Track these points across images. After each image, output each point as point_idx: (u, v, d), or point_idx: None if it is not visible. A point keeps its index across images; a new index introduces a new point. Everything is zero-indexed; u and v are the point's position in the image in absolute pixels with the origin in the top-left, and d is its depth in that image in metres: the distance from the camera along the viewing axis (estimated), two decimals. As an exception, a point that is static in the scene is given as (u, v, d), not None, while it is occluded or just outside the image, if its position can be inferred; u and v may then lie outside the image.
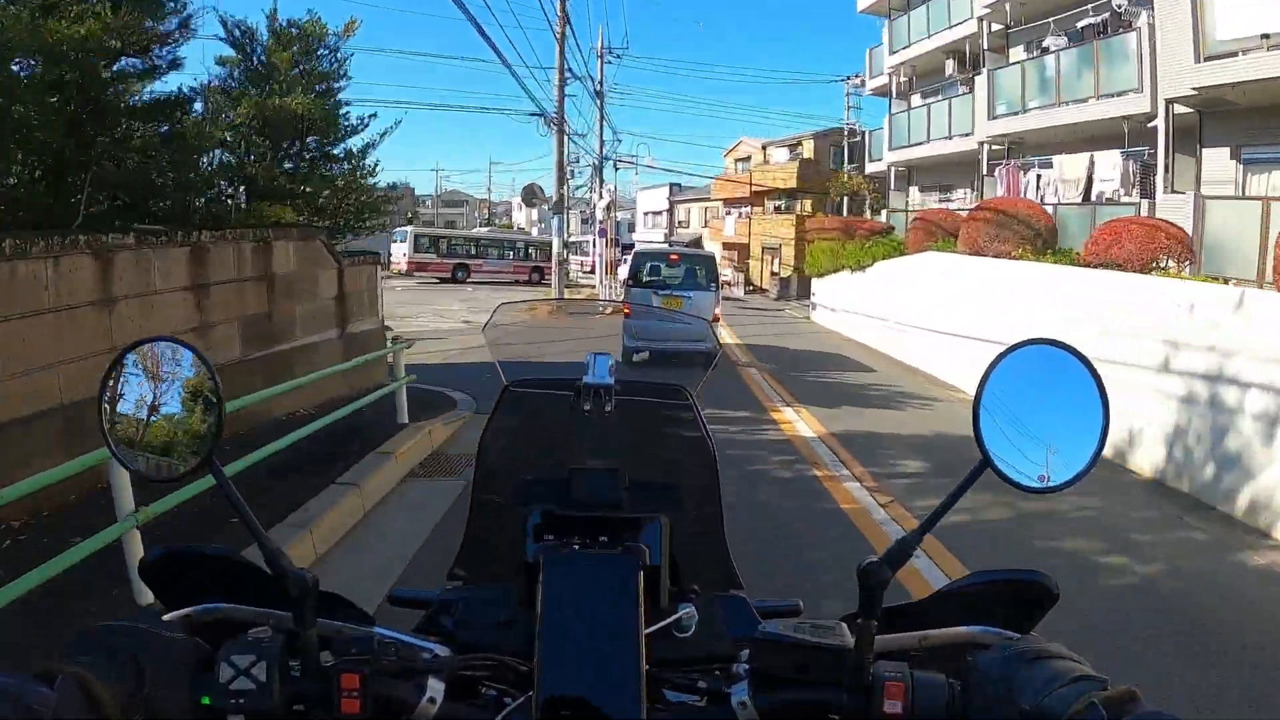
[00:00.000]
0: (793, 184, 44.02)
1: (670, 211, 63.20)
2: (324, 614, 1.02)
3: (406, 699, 0.99)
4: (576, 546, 1.13)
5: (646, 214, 66.93)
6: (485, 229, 50.02)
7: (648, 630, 1.01)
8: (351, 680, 0.95)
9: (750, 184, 48.62)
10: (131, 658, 0.90)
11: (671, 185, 62.45)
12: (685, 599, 1.18)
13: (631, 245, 39.82)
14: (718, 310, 15.22)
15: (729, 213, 52.21)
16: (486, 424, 1.59)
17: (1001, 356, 1.02)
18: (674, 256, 16.88)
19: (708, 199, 57.60)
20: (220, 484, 1.04)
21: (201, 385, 1.10)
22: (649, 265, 16.13)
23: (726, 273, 39.76)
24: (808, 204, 44.72)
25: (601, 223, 34.16)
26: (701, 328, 9.81)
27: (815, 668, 0.98)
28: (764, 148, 47.40)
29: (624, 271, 25.82)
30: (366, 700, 0.95)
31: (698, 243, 53.80)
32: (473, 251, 45.11)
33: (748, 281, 46.47)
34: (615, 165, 41.03)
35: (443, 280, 40.93)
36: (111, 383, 1.09)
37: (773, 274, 44.90)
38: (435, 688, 1.00)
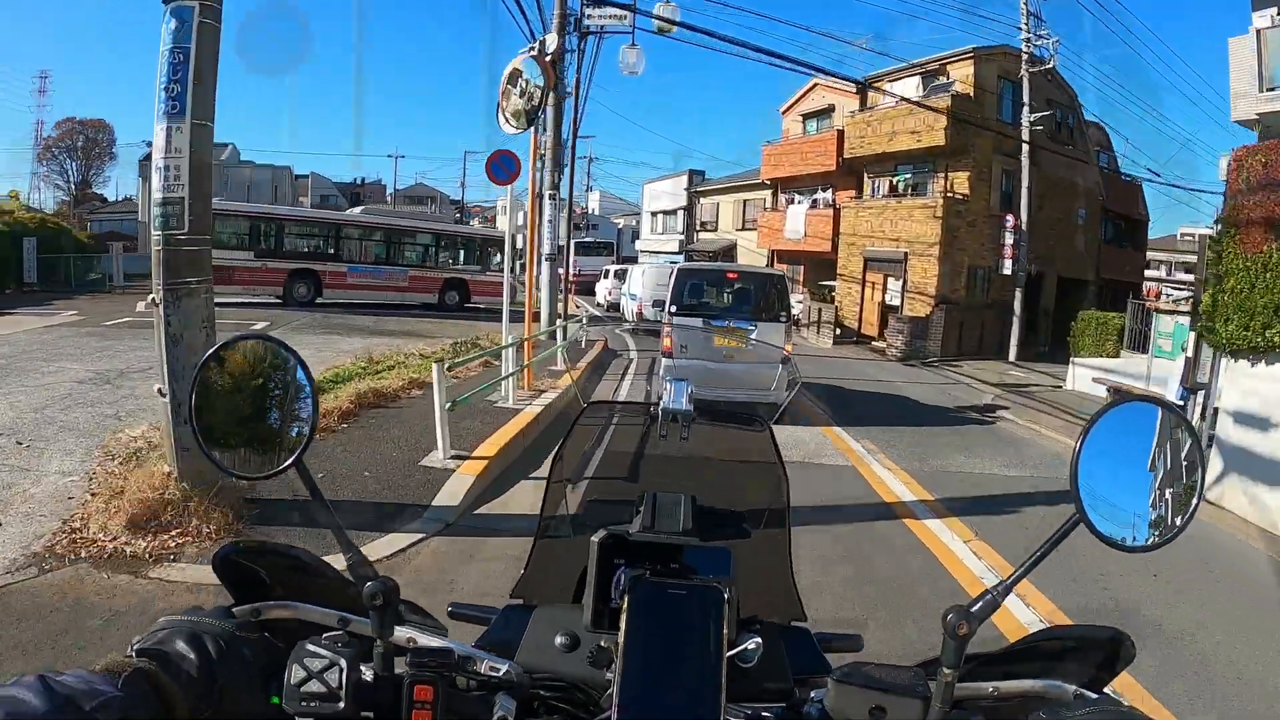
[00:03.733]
0: (937, 141, 23.00)
1: (689, 209, 44.99)
2: (399, 620, 1.05)
3: (478, 715, 1.02)
4: (647, 572, 1.10)
5: (655, 214, 49.95)
6: (358, 209, 29.26)
7: None
8: (425, 692, 0.96)
9: (839, 148, 27.33)
10: (201, 654, 0.92)
11: (691, 173, 45.72)
12: (750, 629, 1.16)
13: (633, 258, 33.37)
14: (789, 347, 11.74)
15: (792, 200, 30.82)
16: (561, 443, 1.63)
17: (1102, 412, 1.03)
18: (731, 275, 12.91)
19: (746, 186, 36.75)
20: (308, 486, 1.09)
21: (294, 384, 1.13)
22: (697, 287, 12.13)
23: (796, 301, 23.06)
24: (961, 179, 23.53)
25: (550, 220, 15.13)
26: (768, 372, 10.76)
27: (891, 713, 0.97)
28: (864, 86, 26.18)
29: (605, 292, 31.65)
30: (438, 713, 0.96)
31: (730, 252, 33.48)
32: (330, 248, 25.82)
33: (838, 322, 25.21)
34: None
35: (268, 302, 24.56)
36: (204, 377, 1.13)
37: (889, 310, 24.36)
38: (507, 706, 1.02)
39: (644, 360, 17.56)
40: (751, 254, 34.36)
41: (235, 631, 0.98)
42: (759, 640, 1.07)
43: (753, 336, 11.28)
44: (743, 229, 37.61)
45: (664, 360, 11.54)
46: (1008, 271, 24.08)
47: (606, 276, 34.29)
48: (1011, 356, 24.15)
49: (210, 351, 1.13)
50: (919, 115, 24.23)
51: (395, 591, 1.00)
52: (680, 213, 45.31)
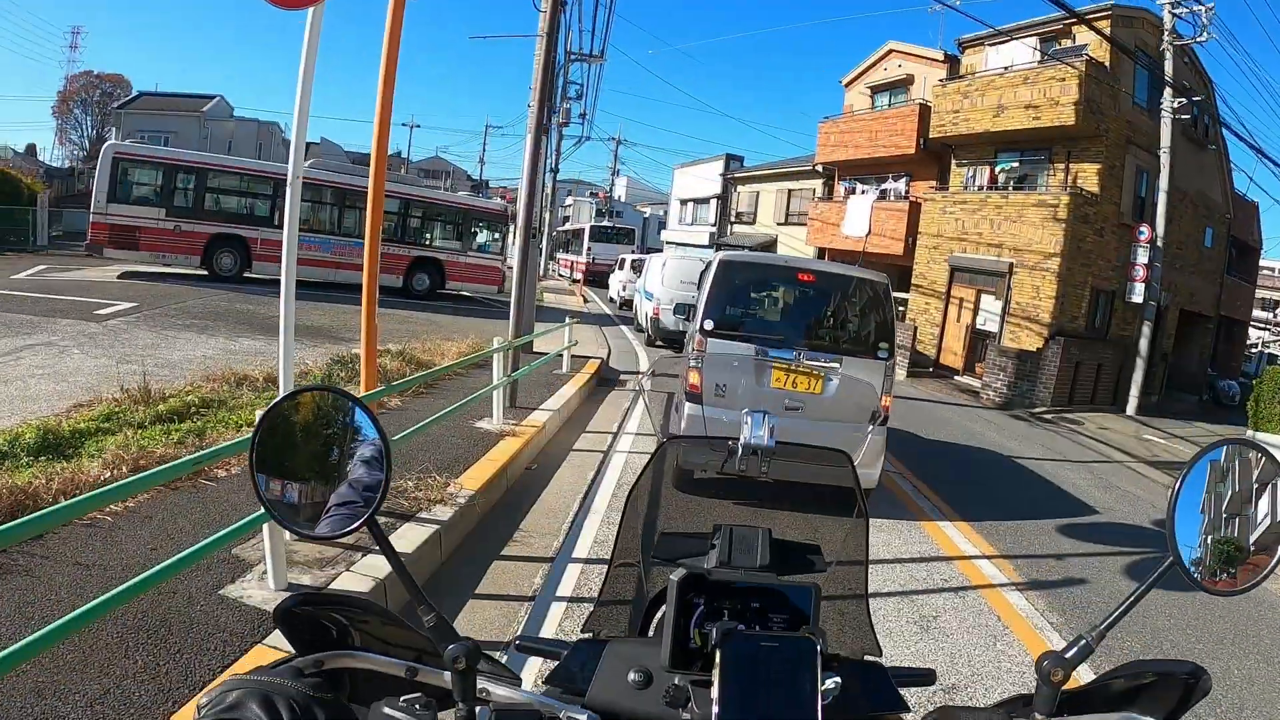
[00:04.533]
0: (1063, 119, 17.21)
1: (723, 198, 39.12)
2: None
3: None
4: (726, 614, 1.15)
5: (685, 202, 44.27)
6: (306, 164, 23.88)
7: None
8: None
9: (921, 126, 21.85)
10: (277, 717, 0.90)
11: (728, 157, 39.96)
12: (829, 667, 1.16)
13: (659, 250, 29.68)
14: (887, 399, 7.30)
15: (853, 190, 25.28)
16: (638, 476, 1.62)
17: (1200, 455, 1.05)
18: (805, 276, 7.75)
19: (793, 173, 31.44)
20: (381, 546, 1.12)
21: (364, 440, 1.13)
22: (744, 291, 7.65)
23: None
24: (1089, 173, 17.84)
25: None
26: (853, 435, 7.07)
27: None
28: (958, 51, 20.37)
29: (619, 286, 27.78)
30: None
31: (770, 250, 28.12)
32: (262, 209, 20.68)
33: (912, 347, 19.70)
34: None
35: (182, 273, 20.01)
36: (268, 429, 1.13)
37: (980, 337, 19.14)
38: None
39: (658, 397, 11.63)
40: (796, 253, 28.32)
41: (309, 693, 0.96)
42: (839, 679, 1.11)
43: (834, 380, 7.09)
44: (785, 223, 31.78)
45: (687, 406, 7.00)
46: (1137, 299, 18.32)
47: (622, 267, 28.85)
48: (1130, 409, 18.40)
49: (275, 401, 1.14)
50: (1037, 86, 18.37)
51: (478, 652, 1.01)
52: (714, 201, 39.29)
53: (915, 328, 20.90)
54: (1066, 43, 19.73)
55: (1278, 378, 13.98)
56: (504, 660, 1.17)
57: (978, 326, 19.93)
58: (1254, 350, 35.72)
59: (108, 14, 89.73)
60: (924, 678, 1.40)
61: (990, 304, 19.58)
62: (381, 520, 4.03)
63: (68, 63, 66.50)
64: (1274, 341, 42.30)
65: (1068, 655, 1.00)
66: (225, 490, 5.39)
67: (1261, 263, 35.96)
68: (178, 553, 3.37)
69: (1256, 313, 38.98)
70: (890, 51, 25.67)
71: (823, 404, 7.09)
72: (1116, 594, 6.41)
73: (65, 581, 3.84)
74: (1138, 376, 18.44)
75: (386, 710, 0.96)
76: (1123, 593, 6.27)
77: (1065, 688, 1.10)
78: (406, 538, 5.05)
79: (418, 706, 0.96)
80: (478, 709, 1.01)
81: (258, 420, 1.13)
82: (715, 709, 0.99)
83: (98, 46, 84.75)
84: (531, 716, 1.02)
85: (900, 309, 21.81)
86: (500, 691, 1.05)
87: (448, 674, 1.01)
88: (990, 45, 21.28)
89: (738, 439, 1.56)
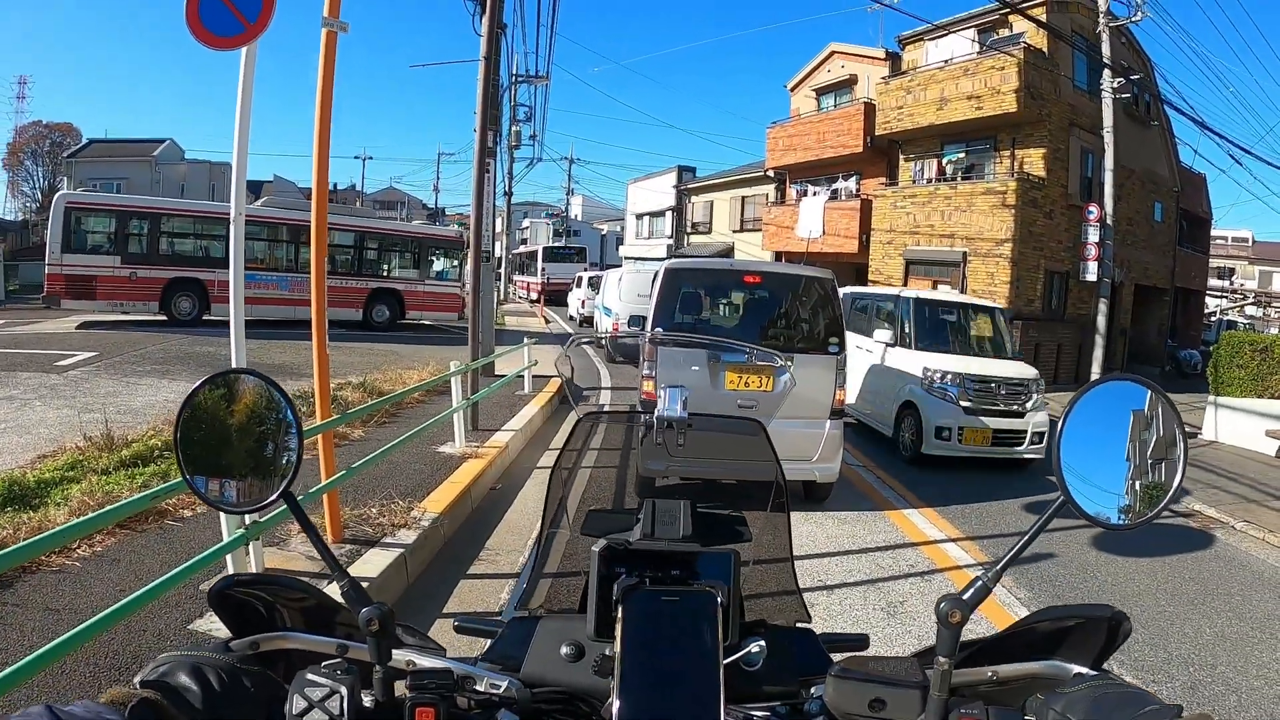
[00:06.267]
0: (1005, 107, 17.60)
1: (678, 209, 39.53)
2: (397, 644, 1.08)
3: None
4: (648, 580, 1.15)
5: (640, 216, 44.74)
6: (260, 202, 23.39)
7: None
8: (426, 715, 0.97)
9: (867, 124, 22.08)
10: (204, 686, 0.94)
11: (680, 169, 40.34)
12: (754, 632, 1.20)
13: (617, 266, 26.66)
14: (841, 393, 7.47)
15: (805, 192, 25.42)
16: (558, 455, 1.70)
17: (1083, 392, 1.04)
18: (751, 278, 7.82)
19: (745, 180, 31.60)
20: (297, 517, 1.16)
21: (281, 419, 1.17)
22: (694, 297, 7.84)
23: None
24: (1035, 158, 18.12)
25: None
26: (810, 433, 7.27)
27: (891, 705, 0.98)
28: (899, 48, 20.69)
29: (578, 303, 27.52)
30: None
31: (727, 257, 28.28)
32: (218, 251, 20.20)
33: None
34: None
35: (142, 321, 19.58)
36: (189, 413, 1.17)
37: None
38: None
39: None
40: (754, 259, 28.54)
41: (236, 664, 0.99)
42: (763, 643, 1.14)
43: (785, 377, 7.00)
44: (741, 230, 32.12)
45: (642, 411, 6.35)
46: (1091, 277, 18.51)
47: (579, 285, 28.92)
48: (1094, 387, 18.58)
49: (195, 386, 1.17)
50: (978, 76, 18.72)
51: (391, 616, 1.01)
52: (669, 214, 39.67)
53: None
54: (1004, 32, 20.13)
55: (1234, 343, 14.23)
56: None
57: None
58: (1213, 319, 36.33)
59: (55, 62, 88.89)
60: (857, 642, 1.41)
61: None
62: (346, 547, 4.06)
63: (16, 113, 65.75)
64: (1231, 309, 43.08)
65: (965, 597, 0.98)
66: (191, 529, 5.34)
67: (1213, 232, 36.72)
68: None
69: (1212, 281, 39.68)
70: (833, 53, 26.02)
71: (775, 400, 7.15)
72: (1083, 565, 6.53)
73: (36, 626, 3.83)
74: (1098, 354, 18.65)
75: (309, 676, 0.96)
76: (1089, 564, 6.40)
77: (983, 637, 1.12)
78: (372, 563, 5.04)
79: (339, 672, 0.97)
80: (397, 680, 1.02)
81: (181, 404, 1.16)
82: (618, 665, 1.00)
83: (46, 96, 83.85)
84: (446, 675, 1.02)
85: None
86: (425, 662, 1.06)
87: None
88: (930, 40, 21.63)
89: (652, 411, 1.59)
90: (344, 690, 0.95)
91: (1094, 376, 18.69)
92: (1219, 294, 46.02)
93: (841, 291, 8.31)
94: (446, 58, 68.43)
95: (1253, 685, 4.69)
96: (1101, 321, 18.68)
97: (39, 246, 28.34)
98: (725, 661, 1.05)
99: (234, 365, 4.32)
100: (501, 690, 1.06)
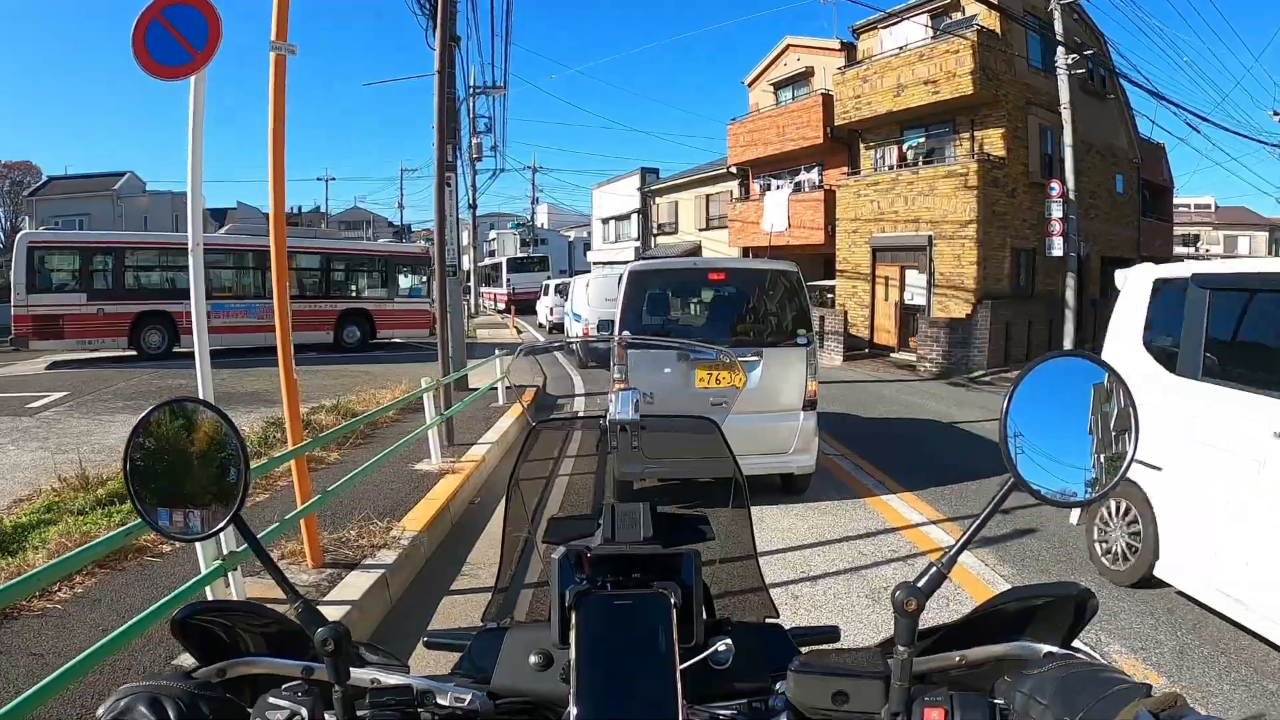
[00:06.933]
0: (961, 90, 17.79)
1: (643, 211, 39.57)
2: (358, 663, 1.11)
3: None
4: (609, 586, 1.15)
5: (606, 221, 44.76)
6: (224, 229, 23.15)
7: (683, 665, 1.02)
8: None
9: (826, 115, 22.23)
10: (161, 718, 0.93)
11: (643, 171, 40.08)
12: (721, 631, 1.20)
13: (586, 272, 26.90)
14: (814, 385, 7.40)
15: (768, 186, 25.57)
16: (514, 464, 1.68)
17: (1029, 369, 1.02)
18: (716, 275, 7.92)
19: (709, 178, 31.68)
20: (248, 542, 1.16)
21: (226, 444, 1.17)
22: (661, 297, 7.83)
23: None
24: (994, 138, 18.33)
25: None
26: (785, 425, 7.28)
27: (854, 697, 0.99)
28: (853, 38, 20.86)
29: (546, 311, 27.81)
30: None
31: (694, 256, 28.50)
32: (184, 282, 18.89)
33: (846, 329, 19.98)
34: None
35: (112, 356, 19.62)
36: (138, 441, 1.18)
37: (911, 311, 19.25)
38: None
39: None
40: (721, 257, 28.62)
41: (194, 691, 0.99)
42: (729, 641, 1.11)
43: (755, 372, 7.16)
44: (707, 228, 32.28)
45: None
46: (1057, 253, 18.73)
47: (546, 293, 29.19)
48: (1069, 362, 18.78)
49: (142, 416, 1.18)
50: (933, 61, 18.91)
51: (346, 636, 1.00)
52: (634, 217, 39.77)
53: (845, 311, 21.26)
54: (956, 16, 20.37)
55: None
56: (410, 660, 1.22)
57: (906, 302, 20.38)
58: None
59: (9, 100, 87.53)
60: (828, 635, 1.41)
61: (915, 278, 20.01)
62: (327, 571, 4.03)
63: (-26, 153, 64.58)
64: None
65: (920, 584, 0.98)
66: (171, 564, 5.28)
67: (1176, 200, 37.26)
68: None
69: (1178, 249, 40.23)
70: (788, 47, 26.18)
71: (750, 397, 7.18)
72: (1064, 540, 6.57)
73: (21, 672, 3.81)
74: (1069, 328, 18.88)
75: (271, 700, 0.97)
76: (1069, 539, 6.43)
77: (948, 622, 1.11)
78: (352, 586, 4.99)
79: (299, 694, 0.98)
80: (359, 700, 1.03)
81: (131, 431, 1.17)
82: (573, 671, 1.00)
83: (2, 134, 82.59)
84: (406, 691, 1.03)
85: (829, 295, 22.14)
86: (387, 679, 1.07)
87: None
88: (883, 28, 21.85)
89: (606, 415, 1.61)
90: (304, 712, 0.96)
91: (1066, 348, 18.96)
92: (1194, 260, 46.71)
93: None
94: (404, 74, 67.82)
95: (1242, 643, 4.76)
96: (1070, 295, 18.91)
97: (4, 288, 27.93)
98: (692, 661, 1.06)
99: (200, 396, 4.30)
100: (466, 703, 1.06)
